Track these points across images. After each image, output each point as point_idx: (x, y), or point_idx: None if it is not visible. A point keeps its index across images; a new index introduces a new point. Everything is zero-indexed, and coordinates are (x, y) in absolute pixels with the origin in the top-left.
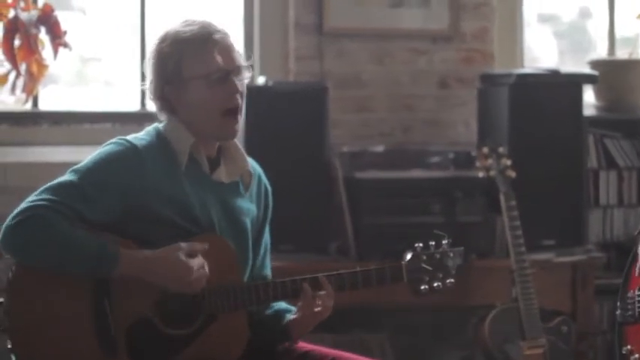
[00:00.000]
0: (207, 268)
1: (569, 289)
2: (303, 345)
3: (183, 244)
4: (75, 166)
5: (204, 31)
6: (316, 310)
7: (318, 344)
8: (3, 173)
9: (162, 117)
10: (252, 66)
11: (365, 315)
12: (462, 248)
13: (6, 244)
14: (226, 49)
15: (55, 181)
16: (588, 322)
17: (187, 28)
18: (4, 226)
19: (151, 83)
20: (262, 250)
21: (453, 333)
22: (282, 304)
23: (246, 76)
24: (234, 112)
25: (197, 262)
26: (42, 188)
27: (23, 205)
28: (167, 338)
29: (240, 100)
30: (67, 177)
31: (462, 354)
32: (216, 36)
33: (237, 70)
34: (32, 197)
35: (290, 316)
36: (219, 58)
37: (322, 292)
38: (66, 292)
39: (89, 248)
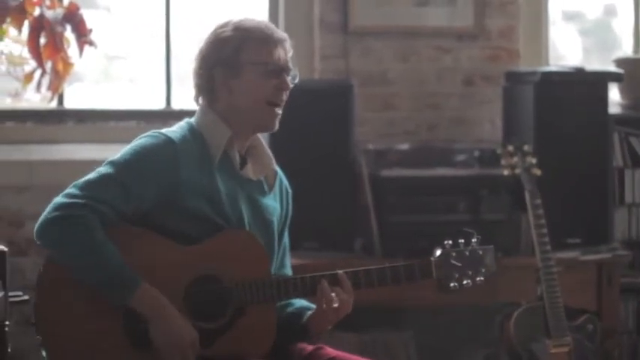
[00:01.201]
0: None
1: (594, 287)
2: (329, 351)
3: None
4: (112, 158)
5: (269, 28)
6: (335, 305)
7: (342, 346)
8: (28, 171)
9: (201, 103)
10: (297, 76)
11: (389, 314)
12: (492, 246)
13: (42, 236)
14: (285, 50)
15: (95, 175)
16: (614, 320)
17: (252, 21)
18: (43, 215)
19: (198, 65)
20: (282, 250)
21: (478, 331)
22: (303, 302)
23: (291, 82)
24: (278, 105)
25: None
26: (82, 181)
27: (64, 199)
28: (196, 332)
29: (285, 98)
30: (104, 170)
31: (486, 352)
32: (279, 35)
33: (289, 71)
34: (72, 190)
35: (309, 313)
36: (279, 53)
37: (342, 289)
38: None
39: (114, 268)
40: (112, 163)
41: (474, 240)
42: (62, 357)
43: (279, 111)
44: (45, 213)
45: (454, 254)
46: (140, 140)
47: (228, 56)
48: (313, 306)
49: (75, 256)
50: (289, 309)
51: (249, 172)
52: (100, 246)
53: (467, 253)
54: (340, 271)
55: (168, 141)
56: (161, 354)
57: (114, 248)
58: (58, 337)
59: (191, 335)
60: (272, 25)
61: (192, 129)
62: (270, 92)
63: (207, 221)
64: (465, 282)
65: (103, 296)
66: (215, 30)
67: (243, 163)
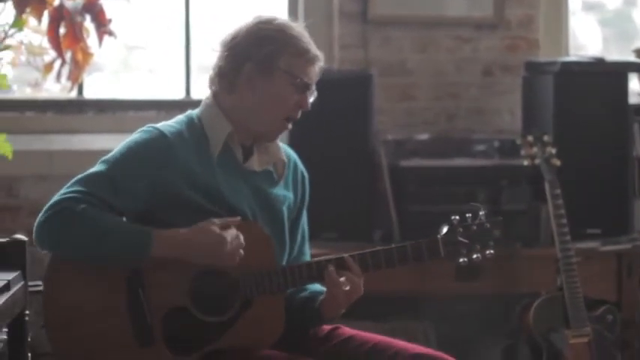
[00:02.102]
0: (242, 239)
1: (614, 277)
2: (346, 330)
3: (215, 220)
4: (104, 157)
5: (310, 42)
6: (345, 289)
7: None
8: (49, 161)
9: (208, 94)
10: (314, 97)
11: (408, 303)
12: (501, 218)
13: (39, 240)
14: (317, 69)
15: (85, 173)
16: (633, 311)
17: (296, 28)
18: (36, 222)
19: (228, 54)
20: (299, 237)
21: (498, 321)
22: (316, 287)
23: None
24: (292, 120)
25: (231, 233)
26: (72, 181)
27: (53, 199)
28: (203, 326)
29: (299, 116)
30: (96, 168)
31: (506, 342)
32: (317, 52)
33: (312, 91)
34: (62, 190)
35: (322, 298)
36: (312, 71)
37: (351, 273)
38: (100, 283)
39: (121, 230)
40: (102, 162)
41: (481, 213)
42: (70, 358)
43: (288, 127)
44: (37, 220)
45: (461, 230)
46: (133, 137)
47: (265, 56)
48: (325, 290)
49: (78, 242)
50: (303, 294)
51: (254, 163)
52: (97, 219)
53: (474, 228)
54: (346, 255)
55: (162, 136)
56: (226, 263)
57: (111, 216)
58: (67, 339)
59: (220, 235)
60: (311, 40)
61: (191, 122)
62: (290, 107)
63: (207, 214)
64: (474, 256)
65: (124, 263)
66: (257, 24)
67: (249, 154)
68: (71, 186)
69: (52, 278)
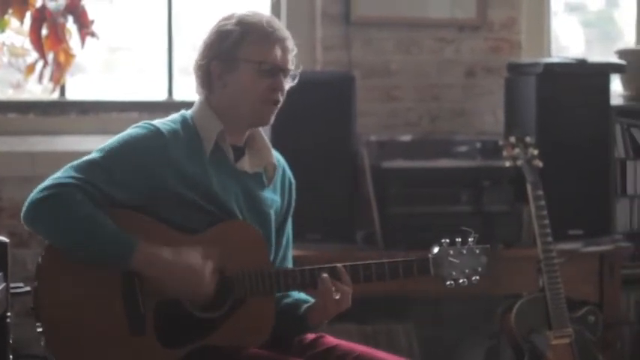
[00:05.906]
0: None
1: (596, 278)
2: (330, 340)
3: (200, 248)
4: (100, 146)
5: (271, 24)
6: (336, 298)
7: (344, 337)
8: (31, 162)
9: (199, 94)
10: (297, 76)
11: (391, 305)
12: (488, 246)
13: (29, 218)
14: (285, 49)
15: (80, 160)
16: (615, 311)
17: (256, 16)
18: (28, 199)
19: (199, 56)
20: (284, 243)
21: (480, 323)
22: (301, 295)
23: (290, 82)
24: (273, 102)
25: (209, 267)
26: (68, 166)
27: (49, 180)
28: (195, 321)
29: (280, 98)
30: (92, 156)
31: (488, 344)
32: (281, 33)
33: (287, 71)
34: (58, 174)
35: (307, 305)
36: (277, 53)
37: (341, 283)
38: (94, 274)
39: (110, 233)
40: (98, 150)
41: (470, 239)
42: (60, 344)
43: (275, 108)
44: (30, 196)
45: (451, 252)
46: (129, 131)
47: (227, 51)
48: (310, 299)
49: (66, 231)
50: (286, 300)
51: (245, 164)
52: (89, 216)
53: (464, 252)
54: (339, 265)
55: (157, 132)
56: (193, 300)
57: (105, 217)
58: (57, 324)
59: (202, 271)
60: (276, 23)
61: (185, 121)
62: (262, 92)
63: (202, 210)
64: (461, 280)
65: (104, 265)
66: (219, 22)
67: (240, 155)
68: (67, 171)
69: (46, 266)
